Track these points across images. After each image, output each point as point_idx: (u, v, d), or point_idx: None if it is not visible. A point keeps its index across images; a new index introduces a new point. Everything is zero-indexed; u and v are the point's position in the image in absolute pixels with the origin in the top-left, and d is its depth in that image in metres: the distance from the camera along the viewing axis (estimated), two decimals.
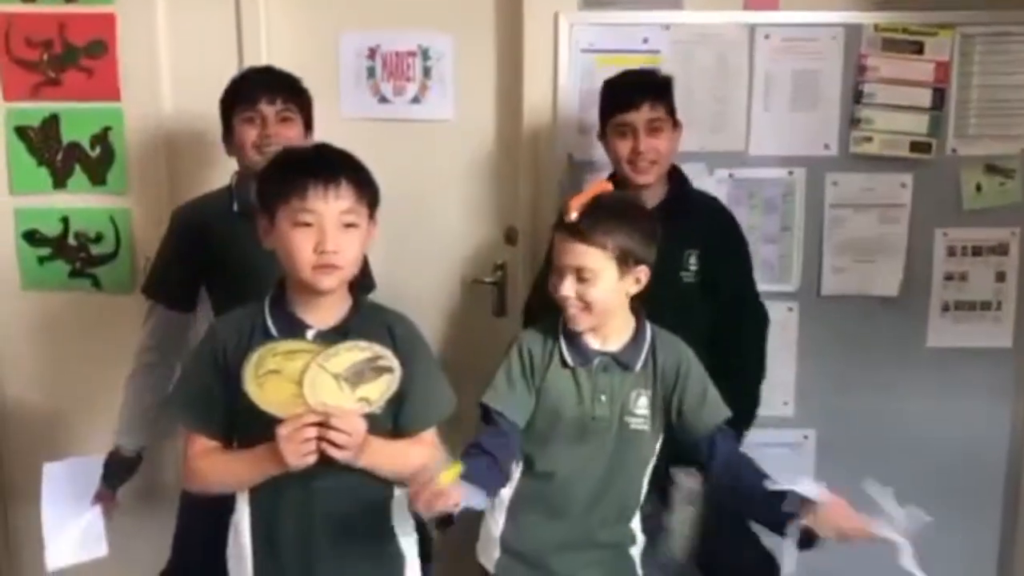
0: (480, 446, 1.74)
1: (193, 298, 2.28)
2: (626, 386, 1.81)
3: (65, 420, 2.81)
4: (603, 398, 1.80)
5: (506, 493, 1.84)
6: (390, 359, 1.62)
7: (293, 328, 1.67)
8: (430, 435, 1.76)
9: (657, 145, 2.20)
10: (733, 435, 1.87)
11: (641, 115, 2.19)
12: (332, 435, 1.55)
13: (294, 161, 1.68)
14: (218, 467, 1.69)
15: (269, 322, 1.68)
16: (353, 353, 1.61)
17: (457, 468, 1.51)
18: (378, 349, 1.62)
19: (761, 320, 2.37)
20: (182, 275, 2.25)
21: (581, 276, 1.74)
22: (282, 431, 1.55)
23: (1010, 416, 2.71)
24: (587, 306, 1.76)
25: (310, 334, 1.67)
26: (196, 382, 1.71)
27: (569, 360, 1.81)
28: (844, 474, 2.70)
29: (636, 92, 2.22)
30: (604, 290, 1.75)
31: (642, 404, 1.82)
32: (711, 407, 1.84)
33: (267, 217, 1.66)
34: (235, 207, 2.21)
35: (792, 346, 2.65)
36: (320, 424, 1.55)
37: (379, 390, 1.61)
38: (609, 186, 1.86)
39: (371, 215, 1.70)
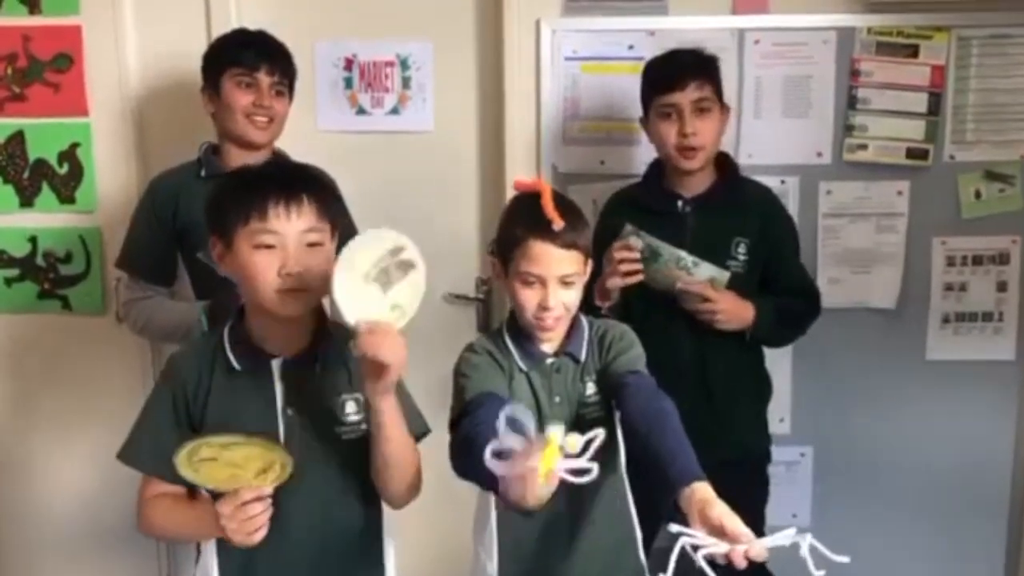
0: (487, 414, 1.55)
1: (171, 271, 2.29)
2: (576, 380, 1.73)
3: (35, 446, 2.73)
4: (557, 399, 1.71)
5: (491, 530, 1.73)
6: (411, 249, 1.51)
7: (257, 360, 1.58)
8: (411, 438, 1.66)
9: (704, 128, 2.12)
10: (650, 380, 1.71)
11: (687, 95, 2.11)
12: (383, 353, 1.43)
13: (249, 180, 1.58)
14: (167, 515, 1.60)
15: (231, 356, 1.59)
16: (375, 245, 1.49)
17: (553, 447, 1.24)
18: (398, 237, 1.51)
19: (816, 307, 2.29)
20: (157, 244, 2.26)
21: (565, 282, 1.65)
22: (223, 509, 1.45)
23: (1014, 431, 2.63)
24: (567, 313, 1.68)
25: (275, 364, 1.58)
26: (153, 425, 1.61)
27: (522, 365, 1.72)
28: (843, 492, 2.66)
29: (681, 71, 2.13)
30: (580, 292, 1.69)
31: (591, 390, 1.73)
32: (630, 358, 1.73)
33: (223, 242, 1.56)
34: (203, 173, 2.24)
35: (788, 360, 2.57)
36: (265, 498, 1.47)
37: (408, 295, 1.50)
38: (543, 180, 1.75)
39: (333, 232, 1.60)
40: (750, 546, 1.28)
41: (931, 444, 2.62)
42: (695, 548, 1.29)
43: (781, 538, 1.30)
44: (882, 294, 2.58)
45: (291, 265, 1.51)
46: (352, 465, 1.61)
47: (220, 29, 2.44)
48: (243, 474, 1.47)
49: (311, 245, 1.54)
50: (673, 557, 1.28)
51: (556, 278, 1.64)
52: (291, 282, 1.51)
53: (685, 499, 1.36)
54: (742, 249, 2.18)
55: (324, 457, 1.60)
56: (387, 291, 1.49)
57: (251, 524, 1.45)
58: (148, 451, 1.59)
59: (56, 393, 2.69)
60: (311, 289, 1.54)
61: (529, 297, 1.65)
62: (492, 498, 1.72)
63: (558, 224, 1.61)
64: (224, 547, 1.59)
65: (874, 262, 2.57)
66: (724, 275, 2.14)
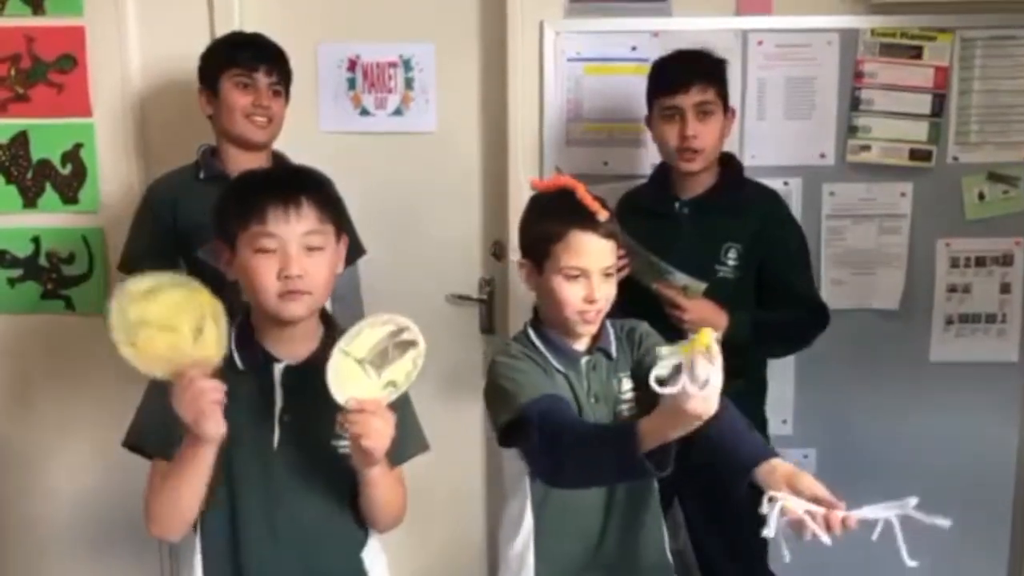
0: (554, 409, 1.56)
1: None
2: (610, 377, 1.72)
3: (37, 445, 2.73)
4: (593, 400, 1.70)
5: (525, 535, 1.70)
6: (414, 331, 1.51)
7: (260, 362, 1.57)
8: (399, 473, 1.66)
9: (705, 131, 2.12)
10: None
11: (689, 98, 2.11)
12: (365, 429, 1.44)
13: (249, 184, 1.58)
14: (157, 489, 1.54)
15: (236, 356, 1.58)
16: (375, 330, 1.49)
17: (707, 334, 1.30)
18: (400, 320, 1.51)
19: (819, 320, 2.24)
20: (158, 247, 2.25)
21: (607, 274, 1.65)
22: (178, 401, 1.42)
23: (1017, 432, 2.63)
24: (607, 306, 1.67)
25: (278, 368, 1.57)
26: (161, 407, 1.56)
27: (558, 365, 1.70)
28: (846, 494, 2.63)
29: (685, 73, 2.13)
30: (616, 284, 1.68)
31: (626, 387, 1.72)
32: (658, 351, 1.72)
33: (227, 247, 1.56)
34: (201, 175, 2.25)
35: (790, 362, 2.56)
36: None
37: (405, 371, 1.50)
38: (566, 176, 1.74)
39: (338, 234, 1.60)
40: (847, 515, 1.33)
41: (934, 446, 2.61)
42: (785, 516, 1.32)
43: (879, 510, 1.35)
44: (885, 296, 2.58)
45: (291, 268, 1.50)
46: (344, 478, 1.59)
47: (223, 30, 2.45)
48: (181, 343, 1.44)
49: (311, 249, 1.53)
50: (773, 517, 1.31)
51: (599, 270, 1.63)
52: (292, 285, 1.50)
53: (766, 474, 1.38)
54: (732, 255, 2.17)
55: (317, 468, 1.58)
56: (383, 370, 1.49)
57: (203, 400, 1.41)
58: (154, 433, 1.57)
59: (59, 393, 2.69)
60: (312, 292, 1.53)
61: (573, 292, 1.64)
62: (528, 504, 1.69)
63: (603, 215, 1.62)
64: (209, 555, 1.59)
65: (877, 263, 2.57)
66: (699, 285, 2.13)
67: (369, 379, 1.48)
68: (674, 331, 2.06)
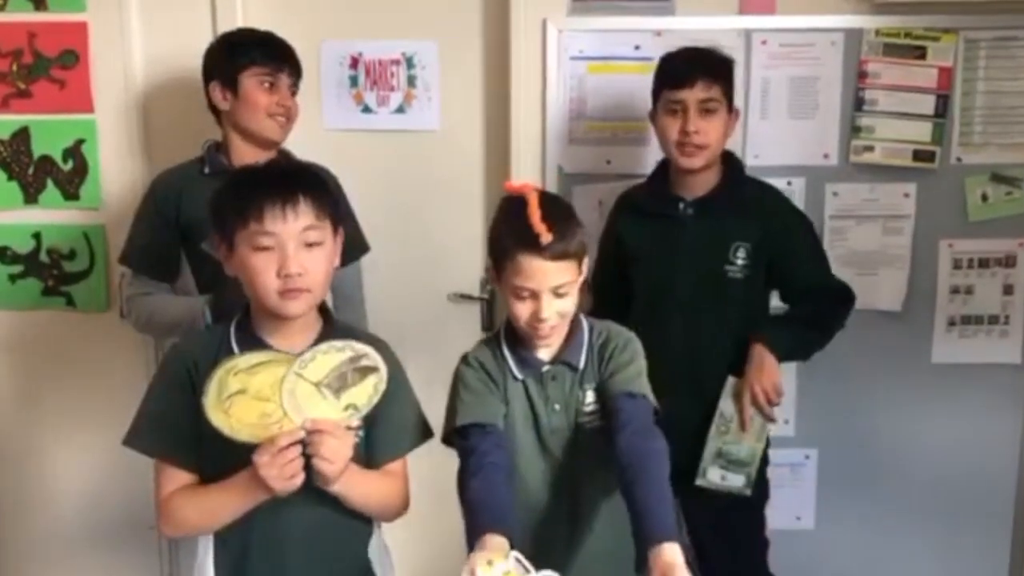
0: (482, 463, 1.58)
1: (174, 267, 2.27)
2: (574, 388, 1.70)
3: (38, 442, 2.73)
4: (557, 407, 1.69)
5: None
6: (373, 357, 1.52)
7: None
8: (399, 466, 1.67)
9: (708, 128, 2.10)
10: (646, 407, 1.67)
11: (694, 93, 2.10)
12: (320, 450, 1.46)
13: (247, 182, 1.57)
14: (197, 503, 1.57)
15: (236, 350, 1.58)
16: (331, 356, 1.51)
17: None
18: (358, 347, 1.52)
19: (845, 301, 2.23)
20: (160, 240, 2.25)
21: (558, 292, 1.62)
22: (260, 458, 1.44)
23: (1019, 434, 2.62)
24: (563, 320, 1.66)
25: None
26: (164, 405, 1.60)
27: (518, 373, 1.70)
28: (847, 495, 2.65)
29: (691, 68, 2.12)
30: (575, 297, 1.66)
31: (590, 399, 1.70)
32: (628, 376, 1.69)
33: (226, 244, 1.56)
34: (206, 170, 2.23)
35: (792, 363, 2.55)
36: (301, 441, 1.46)
37: (366, 394, 1.51)
38: (530, 185, 1.70)
39: (335, 230, 1.60)
40: None
41: (936, 447, 2.61)
42: None
43: None
44: (888, 296, 2.57)
45: (290, 266, 1.50)
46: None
47: (226, 27, 2.44)
48: (274, 411, 1.47)
49: (310, 245, 1.53)
50: None
51: (549, 289, 1.61)
52: (291, 283, 1.51)
53: (652, 557, 1.38)
54: (741, 254, 2.16)
55: None
56: (342, 393, 1.50)
57: (291, 468, 1.45)
58: (157, 434, 1.58)
59: (59, 390, 2.69)
60: (312, 289, 1.54)
61: (522, 309, 1.63)
62: None
63: (545, 239, 1.57)
64: (221, 544, 1.60)
65: (880, 264, 2.56)
66: (758, 423, 2.14)
67: (327, 401, 1.49)
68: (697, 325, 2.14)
